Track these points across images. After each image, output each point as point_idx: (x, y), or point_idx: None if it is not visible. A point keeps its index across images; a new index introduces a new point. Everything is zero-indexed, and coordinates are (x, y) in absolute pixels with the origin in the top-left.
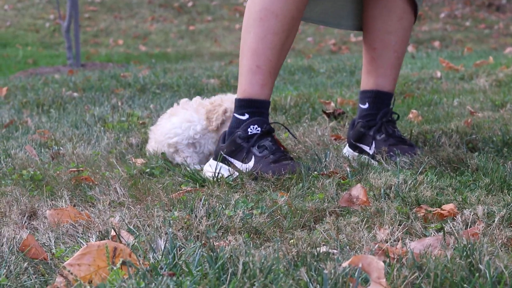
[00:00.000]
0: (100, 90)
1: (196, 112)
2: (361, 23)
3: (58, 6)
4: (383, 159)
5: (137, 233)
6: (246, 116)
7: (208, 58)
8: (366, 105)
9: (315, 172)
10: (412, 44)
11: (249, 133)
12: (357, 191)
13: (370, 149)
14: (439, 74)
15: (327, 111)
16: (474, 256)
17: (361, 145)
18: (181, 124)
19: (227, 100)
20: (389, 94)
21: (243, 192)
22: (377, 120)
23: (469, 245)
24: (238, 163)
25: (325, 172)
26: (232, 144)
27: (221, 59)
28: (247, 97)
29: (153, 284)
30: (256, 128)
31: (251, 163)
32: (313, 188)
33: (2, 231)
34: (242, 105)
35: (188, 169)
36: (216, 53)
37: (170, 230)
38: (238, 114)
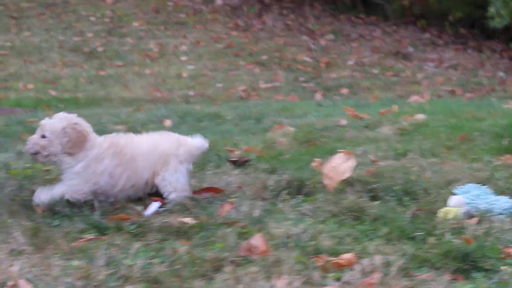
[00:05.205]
0: (6, 136)
1: None
2: None
3: None
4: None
5: (36, 283)
6: None
7: (118, 103)
8: None
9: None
10: (321, 92)
11: None
12: (257, 240)
13: None
14: (344, 122)
15: (231, 159)
16: None
17: None
18: None
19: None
20: None
21: (145, 241)
22: None
23: None
24: None
25: (226, 221)
26: None
27: (131, 105)
28: None
29: None
30: None
31: None
32: (214, 238)
33: None
34: None
35: (91, 217)
36: (126, 98)
37: (68, 280)
38: None
